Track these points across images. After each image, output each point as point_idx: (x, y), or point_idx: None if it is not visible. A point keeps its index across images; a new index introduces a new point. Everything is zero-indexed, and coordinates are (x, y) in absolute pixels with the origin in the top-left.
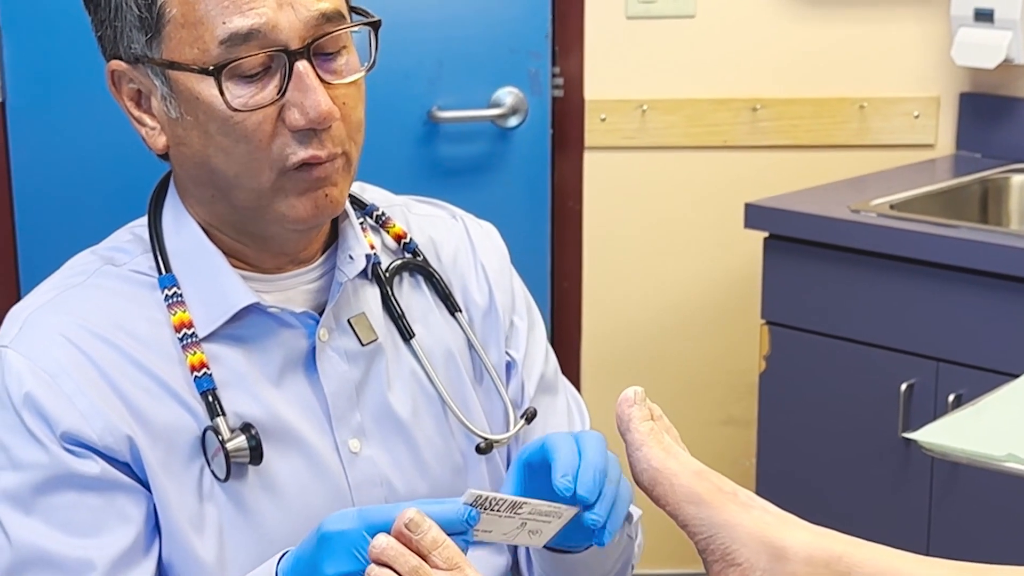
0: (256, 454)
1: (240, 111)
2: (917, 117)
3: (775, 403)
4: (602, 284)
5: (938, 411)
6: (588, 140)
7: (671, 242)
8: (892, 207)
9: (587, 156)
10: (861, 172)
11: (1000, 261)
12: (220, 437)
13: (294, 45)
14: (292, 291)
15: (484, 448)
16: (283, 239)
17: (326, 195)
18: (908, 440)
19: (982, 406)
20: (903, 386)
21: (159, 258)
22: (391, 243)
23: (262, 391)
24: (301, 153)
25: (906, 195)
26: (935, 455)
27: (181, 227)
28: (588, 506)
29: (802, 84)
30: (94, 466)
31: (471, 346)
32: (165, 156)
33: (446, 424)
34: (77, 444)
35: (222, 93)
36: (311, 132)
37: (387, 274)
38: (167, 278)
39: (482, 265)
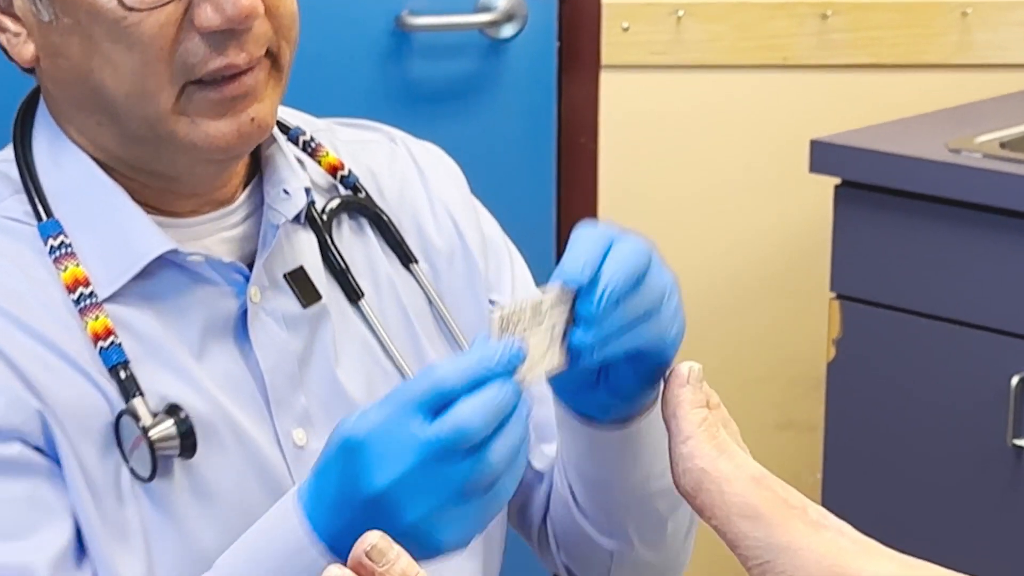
0: (188, 444)
1: (136, 9)
2: None
3: (847, 401)
4: None
5: None
6: (606, 56)
7: (713, 192)
8: (1003, 145)
9: (604, 77)
10: (963, 100)
11: None
12: (140, 423)
13: None
14: (209, 239)
15: None
16: (193, 175)
17: (251, 117)
18: (1021, 448)
19: None
20: (1015, 380)
21: (35, 200)
22: (323, 178)
23: (183, 366)
24: (214, 61)
25: (1020, 130)
26: None
27: (61, 160)
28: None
29: None
30: (11, 447)
31: (431, 304)
32: (32, 71)
33: None
34: None
35: None
36: (228, 33)
37: (325, 217)
38: (49, 224)
39: (439, 198)
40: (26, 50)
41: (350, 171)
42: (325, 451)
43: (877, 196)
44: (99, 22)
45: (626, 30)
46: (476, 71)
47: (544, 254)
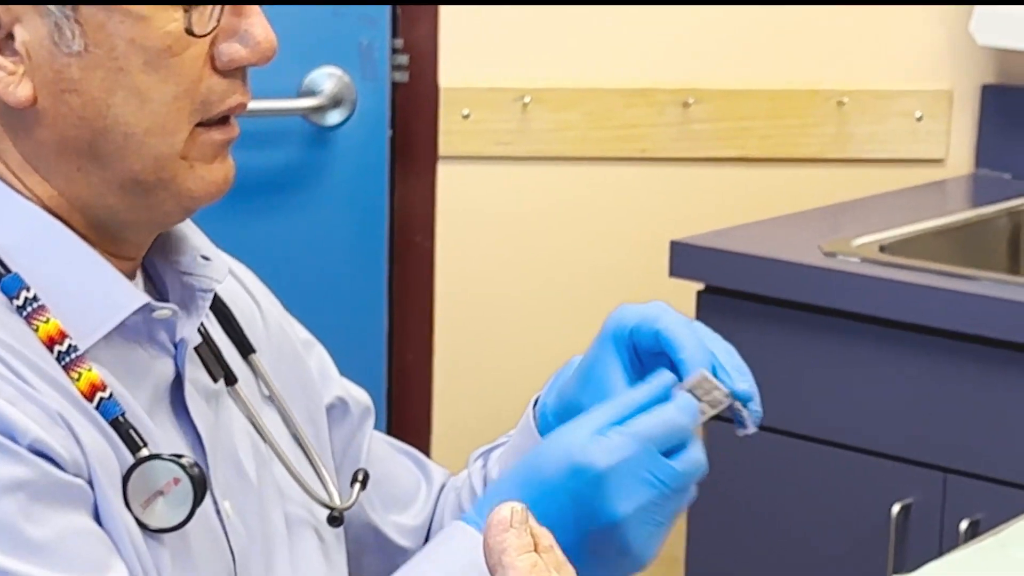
0: (201, 489)
1: (196, 36)
2: (920, 120)
3: (710, 528)
4: (461, 356)
5: (946, 542)
6: (444, 146)
7: (563, 297)
8: (883, 248)
9: (442, 168)
10: (839, 198)
11: None
12: (181, 462)
13: None
14: None
15: (337, 517)
16: (143, 232)
17: (231, 164)
18: None
19: (1007, 537)
20: (896, 507)
21: None
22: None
23: (146, 425)
24: (231, 99)
25: (902, 232)
26: None
27: (9, 212)
28: (746, 400)
29: (754, 69)
30: (77, 479)
31: (272, 395)
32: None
33: (278, 490)
34: (46, 457)
35: (187, 10)
36: (241, 72)
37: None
38: (11, 280)
39: (250, 293)
40: (21, 90)
41: None
42: (541, 474)
43: (744, 303)
44: (142, 51)
45: (467, 117)
46: (300, 161)
47: (374, 363)
